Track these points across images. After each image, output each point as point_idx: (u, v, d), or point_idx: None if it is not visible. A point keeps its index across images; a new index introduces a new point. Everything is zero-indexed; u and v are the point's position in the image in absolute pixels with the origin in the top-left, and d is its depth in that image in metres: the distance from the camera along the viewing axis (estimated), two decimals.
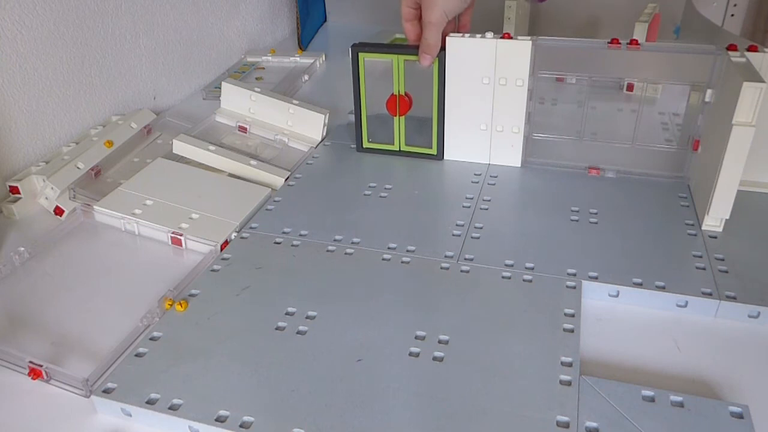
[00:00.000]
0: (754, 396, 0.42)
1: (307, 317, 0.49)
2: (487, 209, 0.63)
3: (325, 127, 0.78)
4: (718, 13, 1.35)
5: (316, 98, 0.87)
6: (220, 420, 0.41)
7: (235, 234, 0.60)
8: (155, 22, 0.86)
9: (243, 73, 0.99)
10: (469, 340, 0.46)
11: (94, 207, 0.62)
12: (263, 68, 1.03)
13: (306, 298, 0.51)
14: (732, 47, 0.59)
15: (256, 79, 0.99)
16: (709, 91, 0.61)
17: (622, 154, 0.68)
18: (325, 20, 1.29)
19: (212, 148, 0.70)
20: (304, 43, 1.14)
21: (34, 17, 0.68)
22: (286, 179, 0.69)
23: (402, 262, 0.55)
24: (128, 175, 0.67)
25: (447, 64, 0.66)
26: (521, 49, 0.64)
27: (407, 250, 0.57)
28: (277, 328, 0.48)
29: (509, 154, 0.70)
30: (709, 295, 0.50)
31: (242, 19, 1.07)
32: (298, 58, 1.05)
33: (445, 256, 0.56)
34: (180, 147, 0.70)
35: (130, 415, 0.42)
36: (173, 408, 0.42)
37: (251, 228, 0.61)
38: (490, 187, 0.66)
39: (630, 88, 0.88)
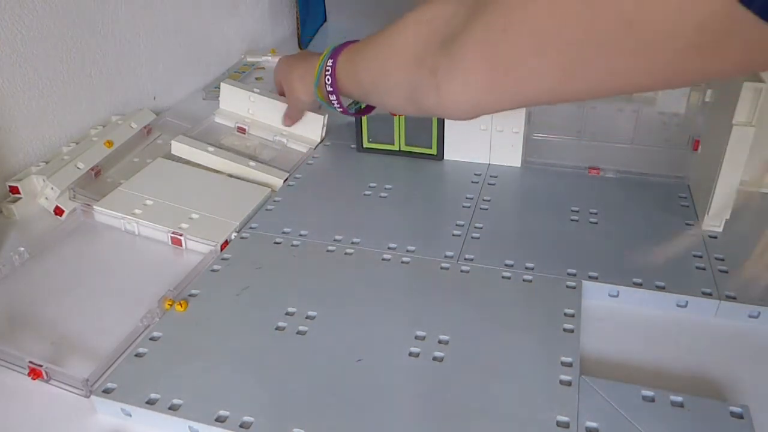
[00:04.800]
0: (754, 396, 0.42)
1: (307, 317, 0.49)
2: (487, 209, 0.63)
3: (325, 128, 0.78)
4: None
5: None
6: (220, 420, 0.41)
7: (235, 234, 0.60)
8: (155, 22, 0.86)
9: (243, 73, 0.99)
10: (469, 340, 0.46)
11: (94, 207, 0.62)
12: (263, 68, 1.03)
13: (306, 298, 0.51)
14: None
15: (256, 79, 0.99)
16: (709, 91, 0.61)
17: (622, 154, 0.68)
18: (325, 20, 1.29)
19: (211, 149, 0.70)
20: (304, 43, 1.14)
21: (34, 17, 0.68)
22: (284, 180, 0.69)
23: (402, 262, 0.55)
24: (128, 175, 0.67)
25: None
26: None
27: (407, 250, 0.57)
28: (277, 328, 0.48)
29: (509, 154, 0.70)
30: (709, 295, 0.50)
31: (242, 19, 1.07)
32: None
33: (445, 256, 0.56)
34: (178, 148, 0.70)
35: (130, 415, 0.42)
36: (173, 408, 0.42)
37: (251, 228, 0.61)
38: (490, 187, 0.66)
39: None
